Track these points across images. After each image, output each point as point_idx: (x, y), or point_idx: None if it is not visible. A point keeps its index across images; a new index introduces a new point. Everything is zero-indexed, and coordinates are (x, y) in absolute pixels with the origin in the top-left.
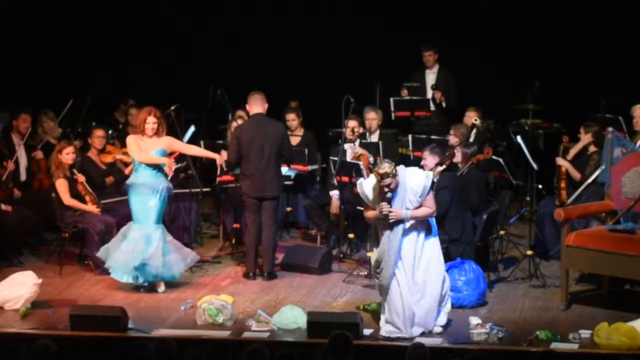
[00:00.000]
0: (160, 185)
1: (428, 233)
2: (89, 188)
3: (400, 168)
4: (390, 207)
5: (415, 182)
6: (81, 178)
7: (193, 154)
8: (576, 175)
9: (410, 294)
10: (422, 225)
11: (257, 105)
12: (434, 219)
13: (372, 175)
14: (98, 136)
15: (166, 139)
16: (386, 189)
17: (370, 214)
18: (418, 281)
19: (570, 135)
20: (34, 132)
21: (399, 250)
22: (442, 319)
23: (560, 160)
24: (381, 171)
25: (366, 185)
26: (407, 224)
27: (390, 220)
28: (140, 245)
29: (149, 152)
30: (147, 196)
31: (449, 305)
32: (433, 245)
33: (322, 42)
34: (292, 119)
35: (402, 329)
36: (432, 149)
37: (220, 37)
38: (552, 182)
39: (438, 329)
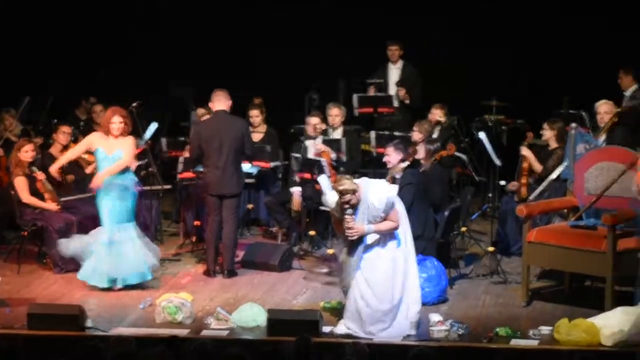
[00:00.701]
0: (129, 183)
1: (391, 245)
2: (48, 186)
3: (362, 182)
4: (353, 221)
5: (377, 197)
6: (41, 176)
7: (116, 164)
8: (538, 167)
9: (364, 301)
10: (384, 237)
11: (220, 103)
12: (399, 233)
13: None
14: (64, 132)
15: (128, 140)
16: (346, 205)
17: (338, 226)
18: (376, 290)
19: (533, 132)
20: None
21: (360, 259)
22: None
23: (524, 150)
24: (340, 187)
25: (329, 199)
26: (369, 238)
27: (352, 238)
28: (111, 249)
29: (112, 152)
30: (119, 196)
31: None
32: (395, 257)
33: (285, 39)
34: (255, 115)
35: (357, 331)
36: (396, 146)
37: (182, 34)
38: (514, 179)
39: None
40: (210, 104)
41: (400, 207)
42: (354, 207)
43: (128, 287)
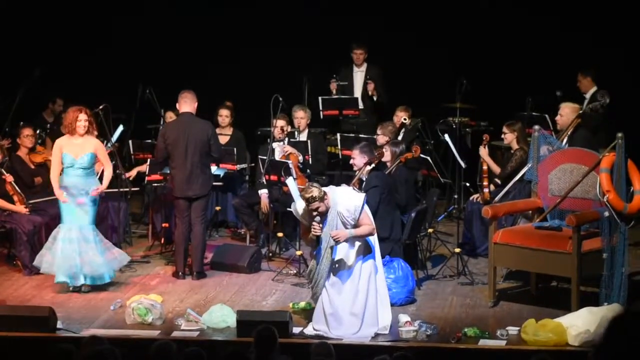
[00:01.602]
0: (91, 187)
1: (360, 251)
2: (17, 188)
3: (330, 190)
4: (322, 228)
5: (346, 203)
6: (9, 178)
7: (105, 173)
8: (496, 169)
9: (333, 307)
10: (354, 243)
11: (186, 105)
12: (372, 239)
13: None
14: (27, 135)
15: (96, 143)
16: (314, 213)
17: (305, 234)
18: (346, 296)
19: (495, 134)
20: None
21: (329, 266)
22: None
23: (481, 150)
24: (307, 195)
25: (298, 207)
26: (340, 248)
27: (337, 244)
28: (74, 247)
29: (80, 154)
30: (79, 197)
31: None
32: (364, 263)
33: (251, 41)
34: (225, 114)
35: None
36: (362, 149)
37: (148, 37)
38: (477, 180)
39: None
40: (177, 105)
41: (368, 212)
42: (322, 214)
43: (96, 289)
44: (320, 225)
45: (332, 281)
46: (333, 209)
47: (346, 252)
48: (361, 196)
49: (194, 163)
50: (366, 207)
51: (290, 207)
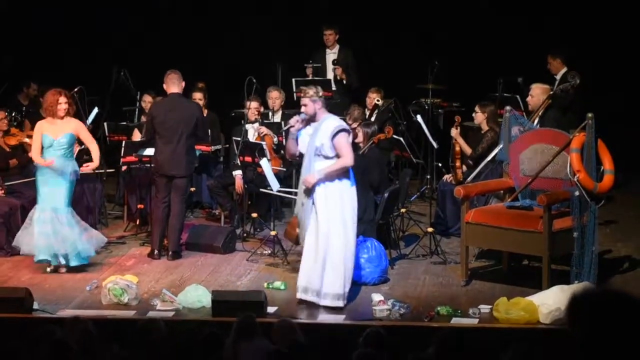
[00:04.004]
0: (68, 169)
1: (341, 196)
2: None
3: (326, 115)
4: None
5: (325, 132)
6: None
7: (92, 150)
8: (467, 150)
9: (309, 259)
10: (333, 188)
11: (174, 85)
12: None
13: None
14: (1, 118)
15: (75, 123)
16: (302, 110)
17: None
18: (320, 247)
19: (467, 115)
20: None
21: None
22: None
23: (453, 131)
24: (303, 88)
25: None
26: (320, 188)
27: (304, 189)
28: (50, 227)
29: (59, 135)
30: (55, 178)
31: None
32: (343, 211)
33: (225, 24)
34: (199, 98)
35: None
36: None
37: (123, 18)
38: (449, 162)
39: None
40: (164, 86)
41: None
42: (305, 119)
43: (72, 270)
44: (299, 122)
45: (310, 235)
46: (312, 141)
47: (323, 195)
48: (338, 123)
49: (181, 143)
50: (343, 138)
51: (264, 189)
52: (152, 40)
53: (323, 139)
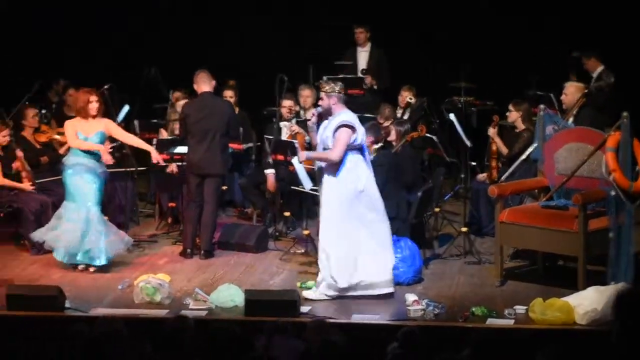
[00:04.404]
0: (97, 168)
1: (335, 186)
2: (26, 165)
3: (341, 110)
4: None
5: (337, 120)
6: (20, 153)
7: (130, 143)
8: (504, 149)
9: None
10: (330, 179)
11: (205, 84)
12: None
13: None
14: (33, 115)
15: (105, 122)
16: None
17: None
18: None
19: (501, 113)
20: None
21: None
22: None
23: (491, 131)
24: (321, 82)
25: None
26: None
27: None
28: (79, 225)
29: (91, 133)
30: (84, 177)
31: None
32: (330, 204)
33: (257, 21)
34: (229, 96)
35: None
36: (368, 128)
37: (155, 16)
38: (484, 161)
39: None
40: (195, 86)
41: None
42: (321, 113)
43: (104, 269)
44: (314, 116)
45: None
46: (321, 135)
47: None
48: (345, 118)
49: (214, 142)
50: (342, 133)
51: (297, 187)
52: (152, 40)
53: (328, 131)
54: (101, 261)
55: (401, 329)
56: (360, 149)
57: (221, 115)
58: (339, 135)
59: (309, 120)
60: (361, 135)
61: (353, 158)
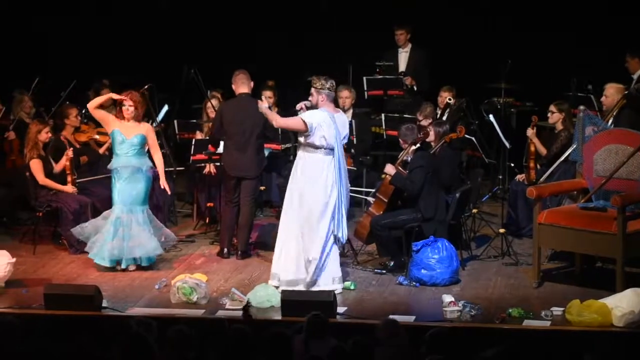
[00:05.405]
0: (144, 166)
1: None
2: (72, 166)
3: (324, 108)
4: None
5: (343, 119)
6: (70, 152)
7: (156, 159)
8: (542, 150)
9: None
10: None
11: (243, 85)
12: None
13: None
14: (75, 115)
15: (147, 127)
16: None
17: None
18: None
19: (540, 114)
20: (6, 112)
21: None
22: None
23: (529, 131)
24: (314, 77)
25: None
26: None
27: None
28: (125, 230)
29: (131, 134)
30: (132, 175)
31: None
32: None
33: (296, 24)
34: (268, 96)
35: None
36: (407, 129)
37: (194, 18)
38: (522, 162)
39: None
40: (233, 86)
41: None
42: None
43: (141, 268)
44: (303, 109)
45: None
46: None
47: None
48: (316, 113)
49: (250, 143)
50: (297, 119)
51: None
52: (222, 38)
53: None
54: (149, 261)
55: (428, 330)
56: (332, 150)
57: (258, 117)
58: (295, 117)
59: (298, 110)
60: (325, 136)
61: (325, 159)
